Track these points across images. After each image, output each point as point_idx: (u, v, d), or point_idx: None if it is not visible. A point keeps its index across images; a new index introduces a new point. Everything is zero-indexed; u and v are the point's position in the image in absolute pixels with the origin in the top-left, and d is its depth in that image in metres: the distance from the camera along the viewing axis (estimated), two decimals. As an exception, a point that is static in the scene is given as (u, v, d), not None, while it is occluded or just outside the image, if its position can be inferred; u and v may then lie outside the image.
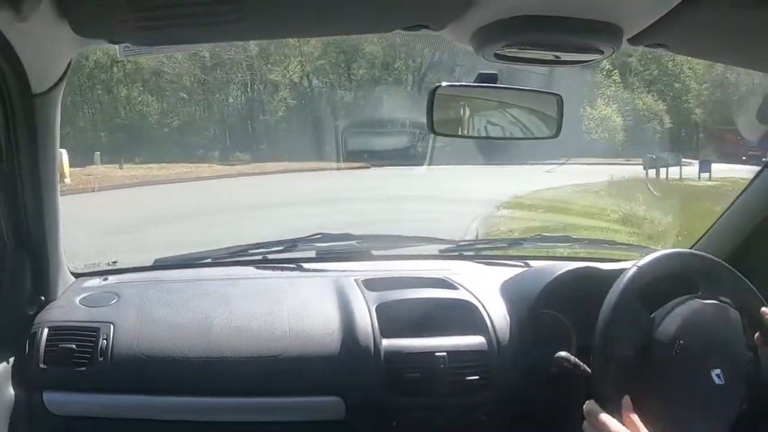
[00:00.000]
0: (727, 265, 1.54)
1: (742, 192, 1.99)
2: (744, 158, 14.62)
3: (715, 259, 1.58)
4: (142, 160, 17.90)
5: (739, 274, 1.53)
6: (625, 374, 1.41)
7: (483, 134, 1.69)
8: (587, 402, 1.36)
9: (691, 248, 2.14)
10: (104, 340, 1.73)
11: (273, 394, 1.73)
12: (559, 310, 1.87)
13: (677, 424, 1.35)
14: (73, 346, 1.72)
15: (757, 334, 1.46)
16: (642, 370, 1.40)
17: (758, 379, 1.46)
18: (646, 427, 1.29)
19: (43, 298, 1.79)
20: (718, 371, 1.40)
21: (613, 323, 1.40)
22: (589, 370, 1.46)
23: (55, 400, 1.71)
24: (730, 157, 16.56)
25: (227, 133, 22.28)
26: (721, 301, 1.50)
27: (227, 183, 15.38)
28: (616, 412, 1.32)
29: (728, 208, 2.05)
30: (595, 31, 1.19)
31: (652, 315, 1.46)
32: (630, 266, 1.52)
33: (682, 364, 1.40)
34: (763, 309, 1.48)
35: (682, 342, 1.41)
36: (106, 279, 2.01)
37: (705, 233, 2.13)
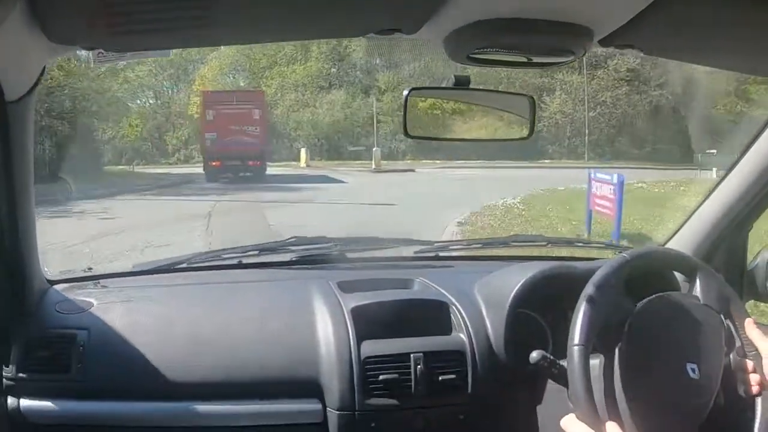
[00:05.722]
0: (713, 270, 1.56)
1: (713, 189, 2.02)
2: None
3: (702, 263, 1.60)
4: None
5: (724, 280, 1.55)
6: (600, 358, 1.42)
7: (457, 136, 1.70)
8: (564, 418, 1.36)
9: (663, 244, 2.17)
10: (80, 347, 1.72)
11: (250, 399, 1.72)
12: (535, 310, 1.89)
13: (648, 415, 1.37)
14: (49, 353, 1.71)
15: (738, 345, 1.48)
16: (617, 355, 1.40)
17: (731, 380, 1.48)
18: (619, 424, 1.31)
19: (18, 305, 1.77)
20: (693, 365, 1.41)
21: (594, 302, 1.39)
22: (565, 367, 1.48)
23: (33, 407, 1.69)
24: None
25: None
26: (705, 305, 1.51)
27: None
28: (592, 412, 1.33)
29: (699, 205, 2.08)
30: (565, 33, 1.20)
31: (633, 303, 1.47)
32: (617, 256, 1.54)
33: (658, 354, 1.41)
34: (748, 320, 1.49)
35: (659, 331, 1.42)
36: (81, 286, 1.99)
37: (678, 229, 2.16)
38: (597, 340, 1.40)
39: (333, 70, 33.79)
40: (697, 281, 1.54)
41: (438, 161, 29.56)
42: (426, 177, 21.99)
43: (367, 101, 32.15)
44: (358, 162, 29.24)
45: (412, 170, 25.88)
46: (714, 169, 21.73)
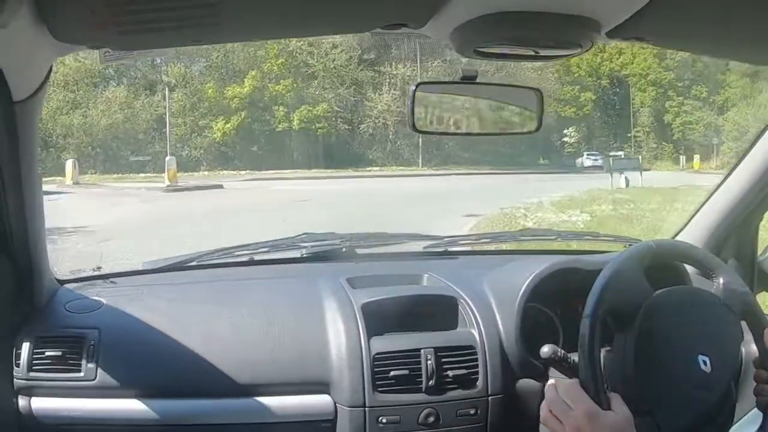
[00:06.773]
0: (738, 275, 1.54)
1: (721, 183, 2.01)
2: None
3: (727, 266, 1.58)
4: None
5: (748, 289, 1.53)
6: (611, 342, 1.41)
7: (465, 131, 1.70)
8: (566, 381, 1.36)
9: (673, 237, 2.16)
10: (91, 346, 1.73)
11: (261, 395, 1.73)
12: (545, 304, 1.89)
13: (656, 403, 1.36)
14: (59, 353, 1.72)
15: (755, 357, 1.46)
16: (628, 336, 1.40)
17: (745, 381, 1.46)
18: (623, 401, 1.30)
19: (28, 305, 1.78)
20: (705, 358, 1.39)
21: (613, 279, 1.38)
22: (576, 361, 1.47)
23: (44, 407, 1.71)
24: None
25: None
26: (726, 305, 1.49)
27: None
28: (596, 382, 1.32)
29: (708, 198, 2.07)
30: (573, 25, 1.19)
31: (651, 289, 1.46)
32: (642, 242, 1.52)
33: (670, 341, 1.40)
34: (767, 330, 1.48)
35: (674, 319, 1.41)
36: (91, 285, 2.00)
37: (687, 222, 2.15)
38: (611, 318, 1.39)
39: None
40: (721, 282, 1.51)
41: (242, 171, 25.32)
42: (256, 197, 17.17)
43: (152, 100, 27.82)
44: (143, 176, 23.94)
45: (220, 186, 20.88)
46: (623, 176, 20.76)
